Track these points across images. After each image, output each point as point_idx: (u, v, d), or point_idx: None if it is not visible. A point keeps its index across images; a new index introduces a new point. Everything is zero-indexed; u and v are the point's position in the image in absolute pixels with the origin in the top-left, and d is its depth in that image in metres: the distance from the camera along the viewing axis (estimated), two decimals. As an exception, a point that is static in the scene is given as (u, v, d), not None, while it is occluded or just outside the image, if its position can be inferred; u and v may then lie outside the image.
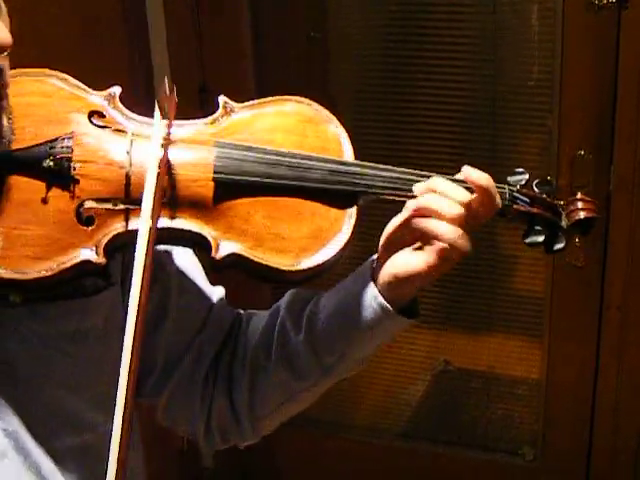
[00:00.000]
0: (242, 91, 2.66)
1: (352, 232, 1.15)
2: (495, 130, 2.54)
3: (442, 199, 1.12)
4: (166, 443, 2.81)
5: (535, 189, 1.24)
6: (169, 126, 1.11)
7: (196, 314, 1.30)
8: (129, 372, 0.99)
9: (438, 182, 1.15)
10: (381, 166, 1.17)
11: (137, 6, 2.52)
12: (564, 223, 1.24)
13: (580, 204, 1.25)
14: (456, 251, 1.12)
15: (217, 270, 1.11)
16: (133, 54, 2.50)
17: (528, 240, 1.23)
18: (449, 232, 1.10)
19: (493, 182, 1.16)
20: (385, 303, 1.16)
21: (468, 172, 1.17)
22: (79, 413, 1.20)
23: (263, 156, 1.13)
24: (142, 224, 1.03)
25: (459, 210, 1.11)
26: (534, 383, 2.79)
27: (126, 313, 1.13)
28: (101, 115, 1.13)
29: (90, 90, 1.16)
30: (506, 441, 2.90)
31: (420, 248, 1.13)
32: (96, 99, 1.15)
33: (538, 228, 1.22)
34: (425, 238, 1.13)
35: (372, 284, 1.18)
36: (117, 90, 1.16)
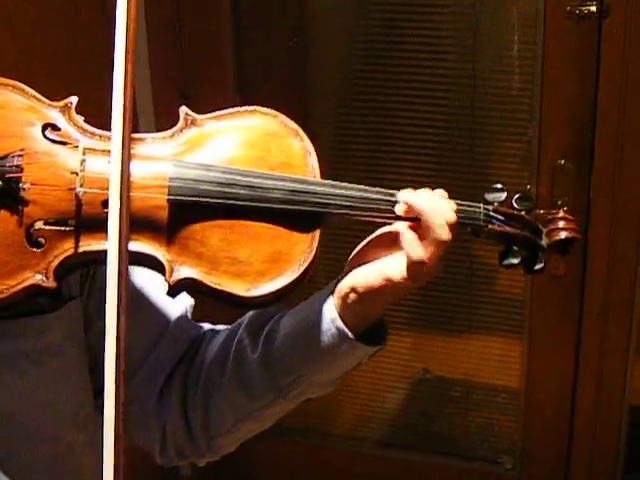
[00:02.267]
0: (223, 97, 2.66)
1: (314, 255, 1.10)
2: (475, 139, 2.54)
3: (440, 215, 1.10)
4: (146, 456, 2.79)
5: (514, 205, 1.19)
6: (127, 142, 1.05)
7: (151, 332, 1.28)
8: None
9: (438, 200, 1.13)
10: (345, 185, 1.12)
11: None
12: (544, 242, 1.20)
13: (561, 223, 1.21)
14: (427, 273, 1.09)
15: (172, 294, 1.08)
16: (112, 62, 2.48)
17: (504, 262, 1.19)
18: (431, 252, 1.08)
19: (430, 200, 1.13)
20: (342, 326, 1.13)
21: (403, 196, 1.14)
22: (42, 427, 1.19)
23: (220, 175, 1.08)
24: (110, 245, 0.98)
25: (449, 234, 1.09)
26: (513, 391, 2.79)
27: (85, 327, 1.14)
28: (55, 128, 1.10)
29: (46, 101, 1.12)
30: (485, 450, 2.90)
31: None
32: (51, 111, 1.11)
33: (515, 249, 1.18)
34: (396, 252, 1.11)
35: (332, 304, 1.14)
36: (74, 100, 1.13)
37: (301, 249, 1.09)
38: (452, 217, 1.10)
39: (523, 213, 1.19)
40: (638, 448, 2.82)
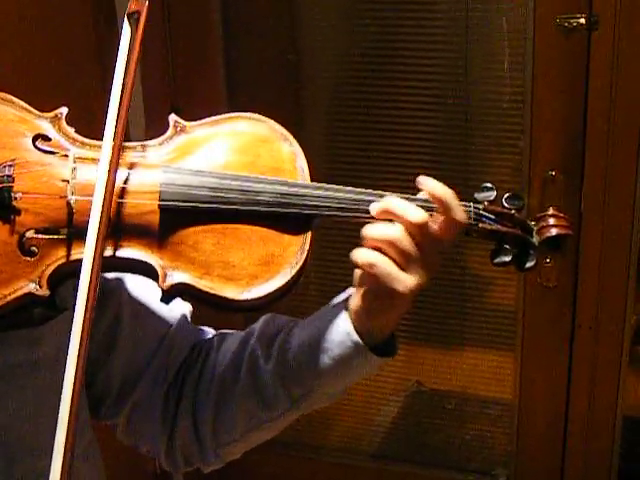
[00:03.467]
0: (214, 111, 2.66)
1: (306, 257, 1.11)
2: (467, 151, 2.55)
3: (393, 227, 1.10)
4: (138, 467, 2.78)
5: (504, 204, 1.20)
6: (117, 149, 1.07)
7: (150, 339, 1.28)
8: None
9: (393, 202, 1.12)
10: (334, 187, 1.13)
11: (108, 24, 2.51)
12: (535, 240, 1.20)
13: (552, 220, 1.22)
14: (412, 285, 1.10)
15: (166, 299, 1.09)
16: (104, 76, 2.49)
17: (496, 260, 1.19)
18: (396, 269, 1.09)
19: (452, 194, 1.13)
20: (359, 340, 1.14)
21: (424, 181, 1.15)
22: (37, 439, 1.18)
23: (211, 180, 1.09)
24: (86, 253, 1.00)
25: (411, 237, 1.09)
26: (507, 403, 2.79)
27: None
28: (46, 139, 1.10)
29: (36, 112, 1.13)
30: (479, 462, 2.89)
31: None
32: (41, 122, 1.12)
33: (506, 247, 1.18)
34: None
35: (346, 318, 1.15)
36: (64, 111, 1.13)
37: (293, 251, 1.10)
38: (418, 219, 1.09)
39: (513, 211, 1.20)
40: (631, 459, 2.81)
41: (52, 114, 1.13)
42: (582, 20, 2.26)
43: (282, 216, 1.10)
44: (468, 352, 2.78)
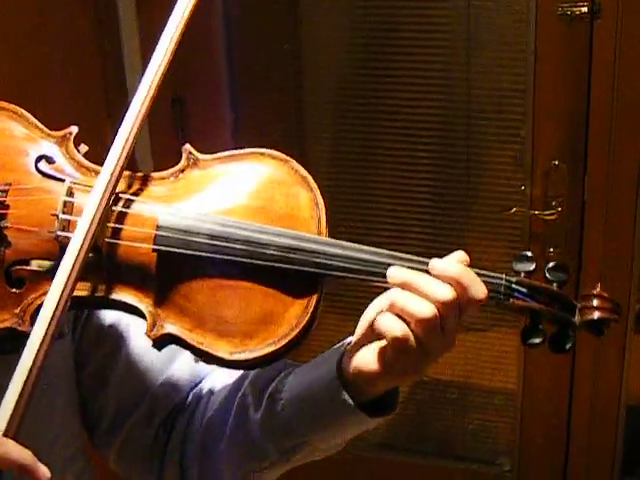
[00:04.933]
0: (216, 101, 2.66)
1: (310, 320, 1.01)
2: (469, 141, 2.54)
3: (427, 305, 0.98)
4: None
5: (547, 275, 1.09)
6: (118, 180, 1.01)
7: (143, 380, 1.23)
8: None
9: (416, 278, 0.99)
10: (349, 245, 1.01)
11: (110, 17, 2.51)
12: (576, 319, 1.09)
13: (596, 301, 1.10)
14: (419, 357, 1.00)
15: (156, 347, 1.02)
16: (106, 68, 2.49)
17: (527, 342, 1.08)
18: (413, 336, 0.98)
19: (466, 271, 1.00)
20: (349, 400, 1.05)
21: (434, 264, 1.00)
22: None
23: (212, 227, 1.00)
24: (54, 286, 0.94)
25: (431, 312, 0.97)
26: (510, 393, 2.79)
27: (76, 363, 1.12)
28: (50, 161, 1.05)
29: (45, 130, 1.08)
30: (483, 451, 2.89)
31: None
32: (48, 142, 1.07)
33: (540, 327, 1.07)
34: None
35: (339, 377, 1.06)
36: (74, 131, 1.08)
37: (295, 313, 1.00)
38: (445, 297, 0.99)
39: (554, 286, 1.09)
40: (635, 448, 2.81)
41: (61, 133, 1.08)
42: (584, 8, 2.25)
43: (287, 272, 1.00)
44: (471, 341, 2.78)
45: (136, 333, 1.22)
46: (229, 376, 1.25)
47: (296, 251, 1.00)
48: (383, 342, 1.01)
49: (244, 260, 1.00)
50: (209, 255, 1.00)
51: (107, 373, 1.21)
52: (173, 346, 1.11)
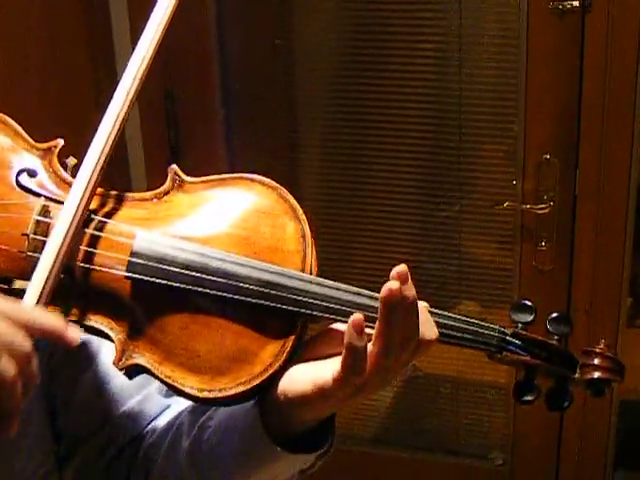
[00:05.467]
0: (207, 97, 2.65)
1: (285, 361, 0.95)
2: (461, 135, 2.54)
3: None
4: None
5: (548, 327, 1.05)
6: (90, 198, 0.96)
7: (102, 412, 1.17)
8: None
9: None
10: (333, 283, 0.96)
11: (101, 12, 2.50)
12: (577, 376, 1.05)
13: (597, 360, 1.06)
14: (364, 387, 0.92)
15: (126, 376, 0.97)
16: (96, 63, 2.48)
17: (520, 398, 1.04)
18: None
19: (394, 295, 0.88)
20: (262, 431, 0.97)
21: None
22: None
23: (188, 257, 0.95)
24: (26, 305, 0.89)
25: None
26: (502, 387, 2.79)
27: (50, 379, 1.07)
28: (32, 174, 1.00)
29: (30, 141, 1.04)
30: (475, 446, 2.90)
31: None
32: (32, 154, 1.02)
33: (536, 382, 1.03)
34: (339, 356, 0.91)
35: (258, 403, 0.98)
36: (59, 144, 1.03)
37: (270, 352, 0.95)
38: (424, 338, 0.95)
39: (555, 339, 1.05)
40: (628, 442, 2.82)
41: (46, 146, 1.04)
42: (576, 3, 2.25)
43: (264, 309, 0.95)
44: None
45: (106, 356, 1.16)
46: (180, 408, 1.20)
47: (276, 287, 0.95)
48: (321, 366, 0.95)
49: (220, 294, 0.95)
50: (184, 286, 0.95)
51: (70, 397, 1.16)
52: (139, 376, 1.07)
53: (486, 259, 2.67)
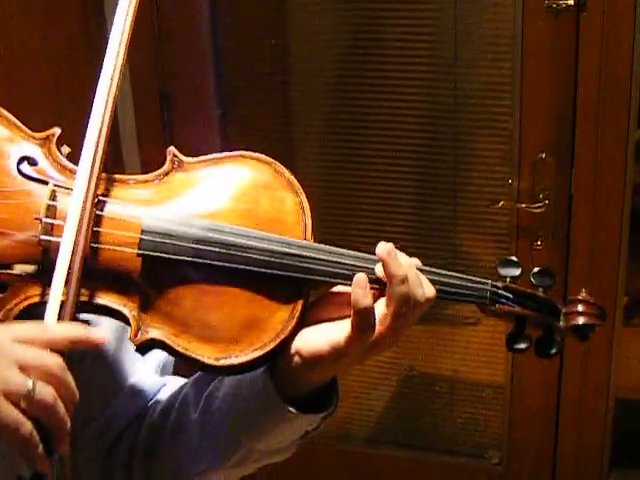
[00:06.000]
0: (203, 97, 2.65)
1: (295, 325, 1.00)
2: (456, 134, 2.54)
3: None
4: None
5: (532, 280, 1.10)
6: (98, 180, 0.99)
7: (109, 386, 1.20)
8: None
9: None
10: (336, 249, 1.02)
11: (97, 13, 2.50)
12: (562, 324, 1.10)
13: (581, 307, 1.11)
14: (377, 344, 0.99)
15: (140, 352, 1.01)
16: (93, 63, 2.47)
17: (512, 347, 1.09)
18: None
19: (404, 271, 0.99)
20: (274, 392, 1.02)
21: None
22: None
23: (197, 233, 0.99)
24: (52, 294, 0.92)
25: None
26: (498, 386, 2.79)
27: None
28: (32, 162, 1.03)
29: (27, 131, 1.05)
30: (472, 445, 2.90)
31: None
32: (30, 143, 1.04)
33: (526, 332, 1.08)
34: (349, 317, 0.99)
35: (269, 369, 1.03)
36: (56, 132, 1.05)
37: (280, 318, 1.00)
38: (422, 297, 1.01)
39: (540, 291, 1.10)
40: (624, 441, 2.82)
41: (44, 135, 1.06)
42: (570, 1, 2.25)
43: (273, 277, 1.00)
44: (460, 335, 2.78)
45: (109, 338, 1.17)
46: (178, 378, 1.23)
47: (282, 256, 1.00)
48: (335, 325, 1.01)
49: (229, 265, 0.99)
50: (194, 260, 0.99)
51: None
52: (136, 356, 1.10)
53: (482, 258, 2.67)
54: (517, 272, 1.09)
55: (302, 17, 2.67)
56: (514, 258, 1.10)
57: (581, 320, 1.10)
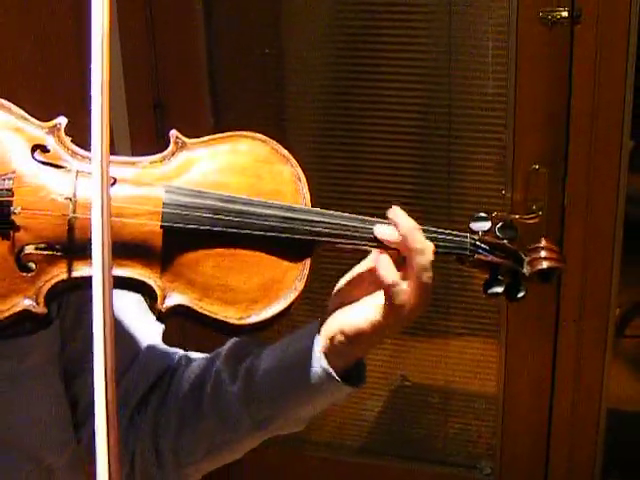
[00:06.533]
0: (197, 106, 2.65)
1: (305, 284, 1.10)
2: (450, 145, 2.55)
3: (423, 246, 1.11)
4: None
5: (497, 234, 1.20)
6: (106, 167, 1.01)
7: (122, 358, 1.24)
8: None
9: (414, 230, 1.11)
10: (336, 213, 1.12)
11: (90, 21, 2.49)
12: (526, 271, 1.22)
13: (543, 253, 1.23)
14: (411, 309, 1.10)
15: (162, 320, 1.07)
16: (86, 72, 2.47)
17: (489, 291, 1.21)
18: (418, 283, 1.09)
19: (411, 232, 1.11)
20: (329, 369, 1.12)
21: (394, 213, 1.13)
22: (23, 448, 1.18)
23: (213, 203, 1.08)
24: (95, 272, 0.95)
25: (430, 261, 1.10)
26: (491, 397, 2.79)
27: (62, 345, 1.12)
28: (44, 150, 1.08)
29: (34, 121, 1.10)
30: (464, 455, 2.90)
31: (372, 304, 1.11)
32: (39, 132, 1.09)
33: (500, 278, 1.19)
34: (379, 291, 1.10)
35: (319, 345, 1.13)
36: (63, 121, 1.10)
37: (293, 277, 1.09)
38: (429, 259, 1.11)
39: (506, 242, 1.20)
40: (616, 451, 2.83)
41: (51, 124, 1.10)
42: (565, 13, 2.26)
43: (283, 241, 1.09)
44: (452, 346, 2.78)
45: (116, 310, 1.22)
46: (196, 355, 1.31)
47: (290, 220, 1.09)
48: (370, 301, 1.11)
49: (244, 232, 1.07)
50: (211, 229, 1.07)
51: (84, 357, 1.20)
52: (142, 327, 1.27)
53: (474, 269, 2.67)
54: (488, 226, 1.20)
55: (296, 26, 2.67)
56: (483, 214, 1.21)
57: (545, 264, 1.22)
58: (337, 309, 1.13)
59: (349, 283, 1.15)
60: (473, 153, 2.57)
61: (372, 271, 1.12)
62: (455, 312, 2.73)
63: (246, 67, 2.71)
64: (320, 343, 1.13)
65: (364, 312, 1.10)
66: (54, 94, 2.29)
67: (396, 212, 1.11)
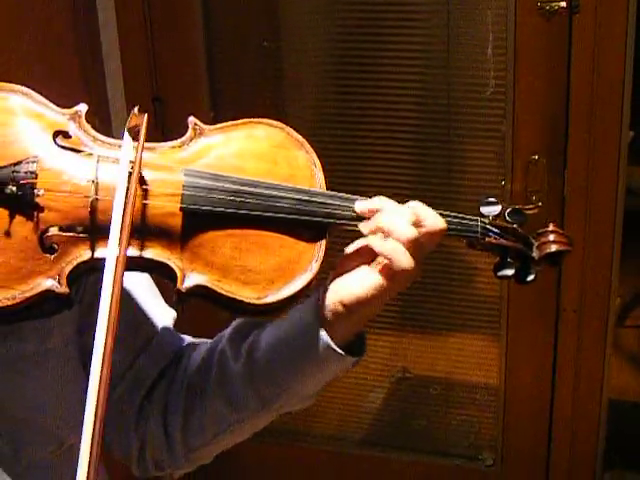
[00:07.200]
0: (196, 101, 2.65)
1: (320, 264, 1.13)
2: (450, 136, 2.55)
3: (399, 219, 1.12)
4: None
5: (507, 218, 1.23)
6: (138, 150, 1.08)
7: (133, 344, 1.27)
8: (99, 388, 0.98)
9: (387, 203, 1.16)
10: (351, 197, 1.16)
11: (88, 15, 2.49)
12: (535, 255, 1.24)
13: (552, 236, 1.25)
14: (404, 273, 1.11)
15: (182, 301, 1.09)
16: (85, 65, 2.47)
17: (499, 273, 1.23)
18: (402, 253, 1.10)
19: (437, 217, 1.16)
20: (329, 340, 1.14)
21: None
22: (45, 429, 1.20)
23: (232, 186, 1.10)
24: (110, 253, 1.00)
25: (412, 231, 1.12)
26: (492, 388, 2.79)
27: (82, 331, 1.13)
28: (66, 135, 1.10)
29: (55, 107, 1.13)
30: (466, 447, 2.90)
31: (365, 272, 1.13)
32: (61, 118, 1.12)
33: (510, 260, 1.22)
34: (373, 261, 1.13)
35: (319, 317, 1.15)
36: (83, 108, 1.13)
37: (309, 258, 1.12)
38: (409, 235, 1.12)
39: (516, 226, 1.23)
40: (617, 442, 2.83)
41: (72, 111, 1.13)
42: (563, 4, 2.26)
43: (299, 223, 1.12)
44: (453, 338, 2.78)
45: (131, 292, 1.27)
46: (202, 340, 1.33)
47: (306, 203, 1.12)
48: (364, 269, 1.13)
49: (262, 214, 1.10)
50: (230, 211, 1.09)
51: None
52: (162, 309, 1.30)
53: (474, 260, 2.68)
54: (498, 210, 1.22)
55: (294, 19, 2.67)
56: (493, 199, 1.23)
57: (554, 247, 1.24)
58: (335, 281, 1.15)
59: (345, 257, 1.16)
60: (472, 144, 2.56)
61: (368, 248, 1.14)
62: (456, 303, 2.73)
63: (244, 60, 2.71)
64: (320, 316, 1.15)
65: (360, 280, 1.12)
66: (54, 94, 2.29)
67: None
